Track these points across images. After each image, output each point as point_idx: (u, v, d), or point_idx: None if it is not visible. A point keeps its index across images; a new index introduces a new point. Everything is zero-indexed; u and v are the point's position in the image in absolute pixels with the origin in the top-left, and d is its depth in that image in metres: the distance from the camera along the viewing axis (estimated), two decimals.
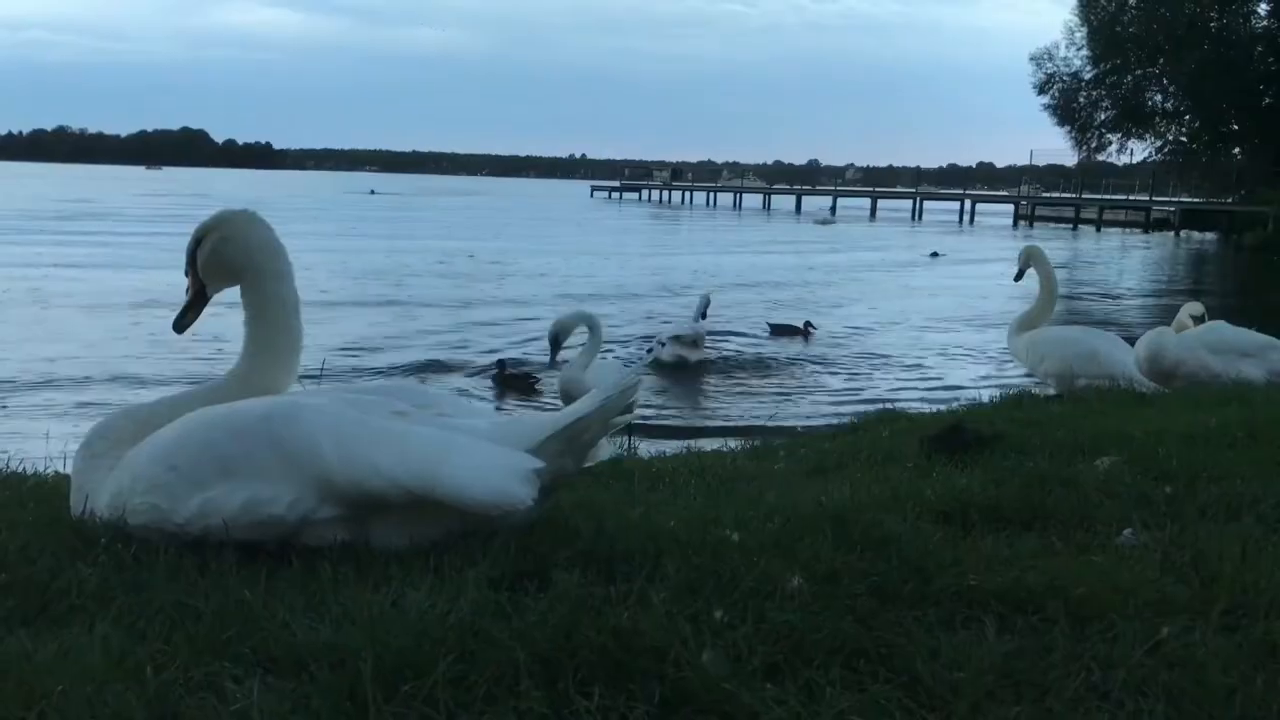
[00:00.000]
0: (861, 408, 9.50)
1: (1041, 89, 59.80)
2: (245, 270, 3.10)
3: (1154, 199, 60.62)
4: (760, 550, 2.74)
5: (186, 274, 3.17)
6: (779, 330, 17.11)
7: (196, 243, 3.13)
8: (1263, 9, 55.52)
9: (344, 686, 1.90)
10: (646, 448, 6.63)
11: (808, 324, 17.05)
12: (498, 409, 10.69)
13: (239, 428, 2.82)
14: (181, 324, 3.19)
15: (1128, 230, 60.09)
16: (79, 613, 2.33)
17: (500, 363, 12.53)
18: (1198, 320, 8.51)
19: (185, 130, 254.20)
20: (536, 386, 11.82)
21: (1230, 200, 55.15)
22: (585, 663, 2.01)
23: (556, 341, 8.69)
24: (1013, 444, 4.26)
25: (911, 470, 3.92)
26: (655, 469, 4.21)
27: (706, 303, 14.06)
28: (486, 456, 2.76)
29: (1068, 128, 60.07)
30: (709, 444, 6.20)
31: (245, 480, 2.74)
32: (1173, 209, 58.30)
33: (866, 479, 3.85)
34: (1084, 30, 57.94)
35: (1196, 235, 55.17)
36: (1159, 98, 59.17)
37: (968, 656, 2.18)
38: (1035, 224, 64.55)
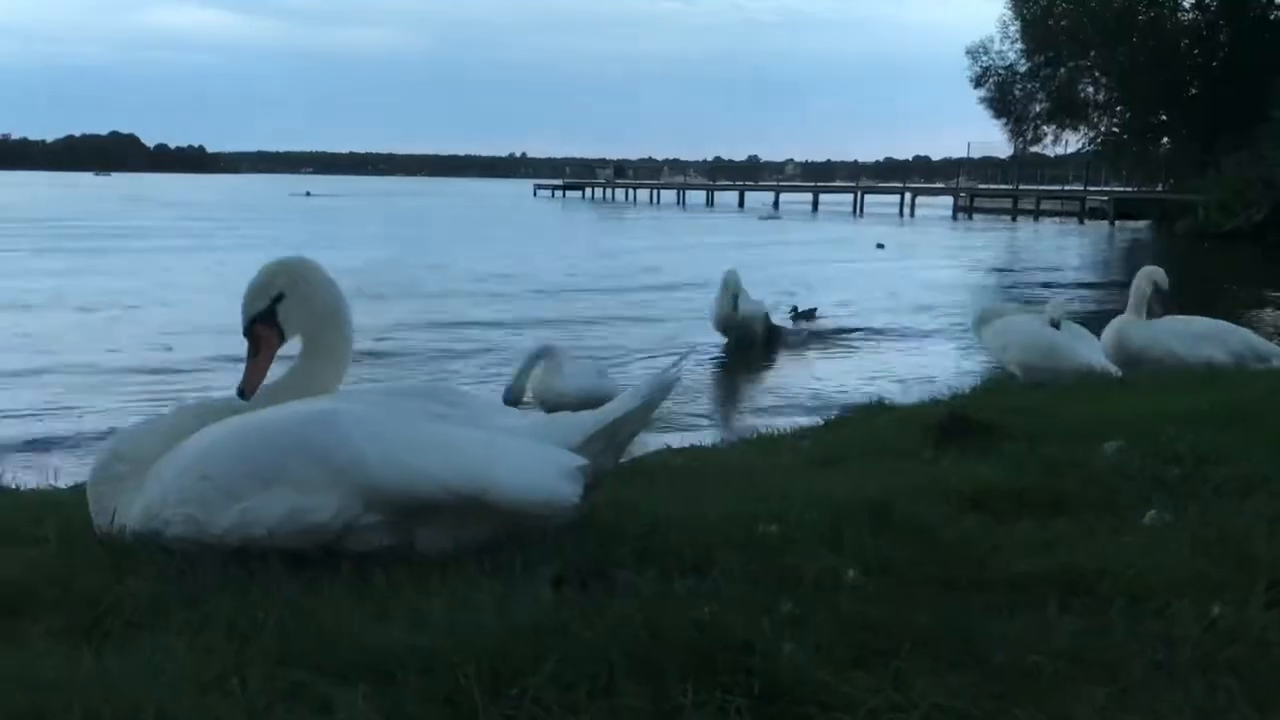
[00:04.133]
0: (836, 398, 9.59)
1: (978, 82, 60.76)
2: (321, 323, 3.05)
3: (1088, 189, 61.89)
4: (806, 543, 2.76)
5: (246, 334, 3.05)
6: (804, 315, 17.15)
7: (273, 299, 3.02)
8: (1188, 2, 57.02)
9: (441, 692, 1.88)
10: (649, 442, 6.61)
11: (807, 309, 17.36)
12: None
13: (274, 435, 2.78)
14: (251, 385, 3.01)
15: (1063, 220, 61.27)
16: (136, 628, 2.28)
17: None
18: (1160, 295, 8.49)
19: (115, 135, 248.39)
20: None
21: (1160, 189, 56.51)
22: (675, 658, 2.01)
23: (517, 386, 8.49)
24: (1016, 431, 4.34)
25: (925, 461, 3.98)
26: (673, 464, 4.22)
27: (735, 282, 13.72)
28: (533, 456, 2.75)
29: (1004, 120, 61.12)
30: (697, 439, 6.23)
31: (285, 489, 2.70)
32: (1106, 199, 59.56)
33: (881, 470, 3.90)
34: (1017, 24, 59.01)
35: (1130, 224, 56.40)
36: (1091, 90, 60.42)
37: (1038, 640, 2.22)
38: (974, 215, 65.56)
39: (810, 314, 17.19)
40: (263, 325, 3.03)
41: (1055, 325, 8.63)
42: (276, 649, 2.11)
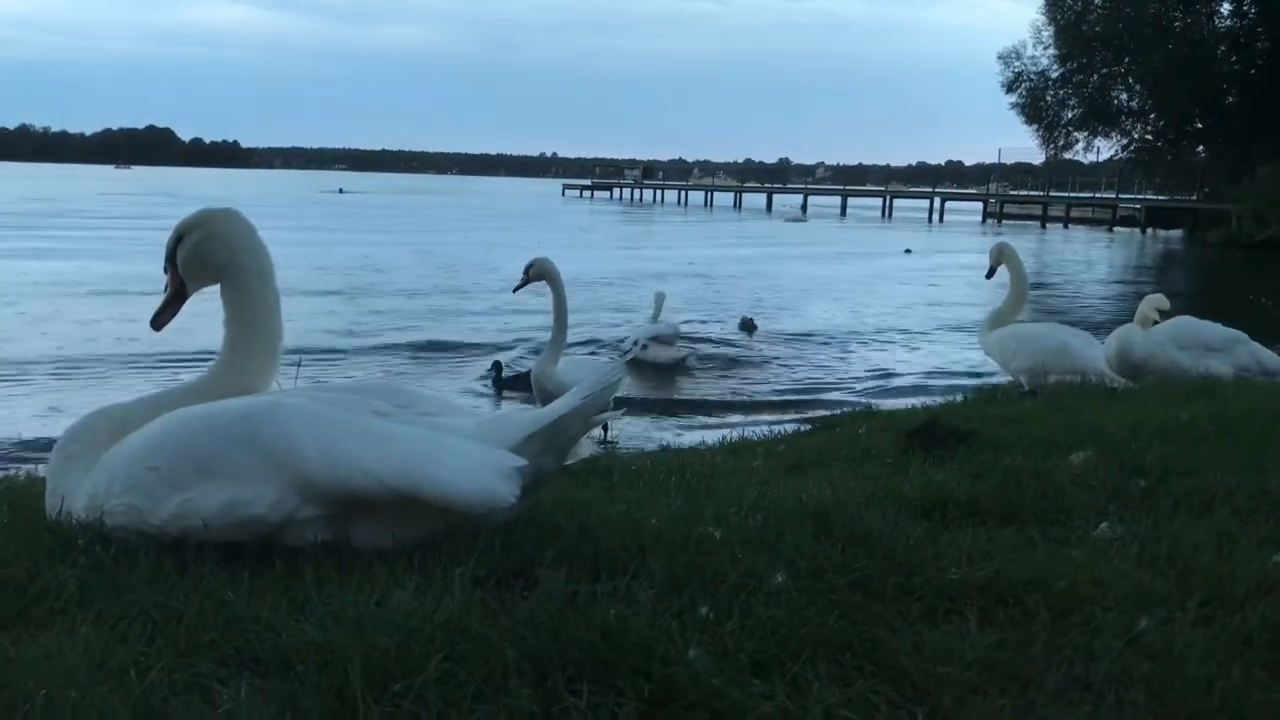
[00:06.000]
0: (837, 403, 9.56)
1: (1009, 88, 60.38)
2: (227, 269, 3.07)
3: (1120, 197, 61.30)
4: (743, 547, 2.75)
5: (165, 271, 3.13)
6: (746, 325, 17.18)
7: (177, 240, 3.10)
8: (1226, 8, 56.35)
9: (332, 687, 1.89)
10: (624, 445, 6.63)
11: (749, 320, 17.20)
12: (495, 409, 10.61)
13: (218, 427, 2.80)
14: (159, 321, 3.16)
15: (1094, 228, 60.72)
16: (59, 616, 2.30)
17: (496, 364, 12.39)
18: (1163, 314, 8.59)
19: (151, 128, 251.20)
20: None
21: (1194, 198, 55.87)
22: (573, 660, 2.01)
23: (528, 274, 8.57)
24: (988, 440, 4.30)
25: (889, 467, 3.95)
26: (634, 466, 4.22)
27: (661, 301, 14.02)
28: (470, 455, 2.75)
29: (1035, 126, 60.69)
30: (686, 440, 6.23)
31: (225, 481, 2.72)
32: (1138, 207, 58.97)
33: (845, 476, 3.88)
34: (1051, 29, 58.54)
35: (1162, 233, 55.82)
36: (1125, 96, 59.87)
37: (951, 650, 2.20)
38: (1004, 221, 65.07)
39: (749, 324, 17.15)
40: (169, 265, 3.12)
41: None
42: (186, 640, 2.13)
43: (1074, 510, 3.31)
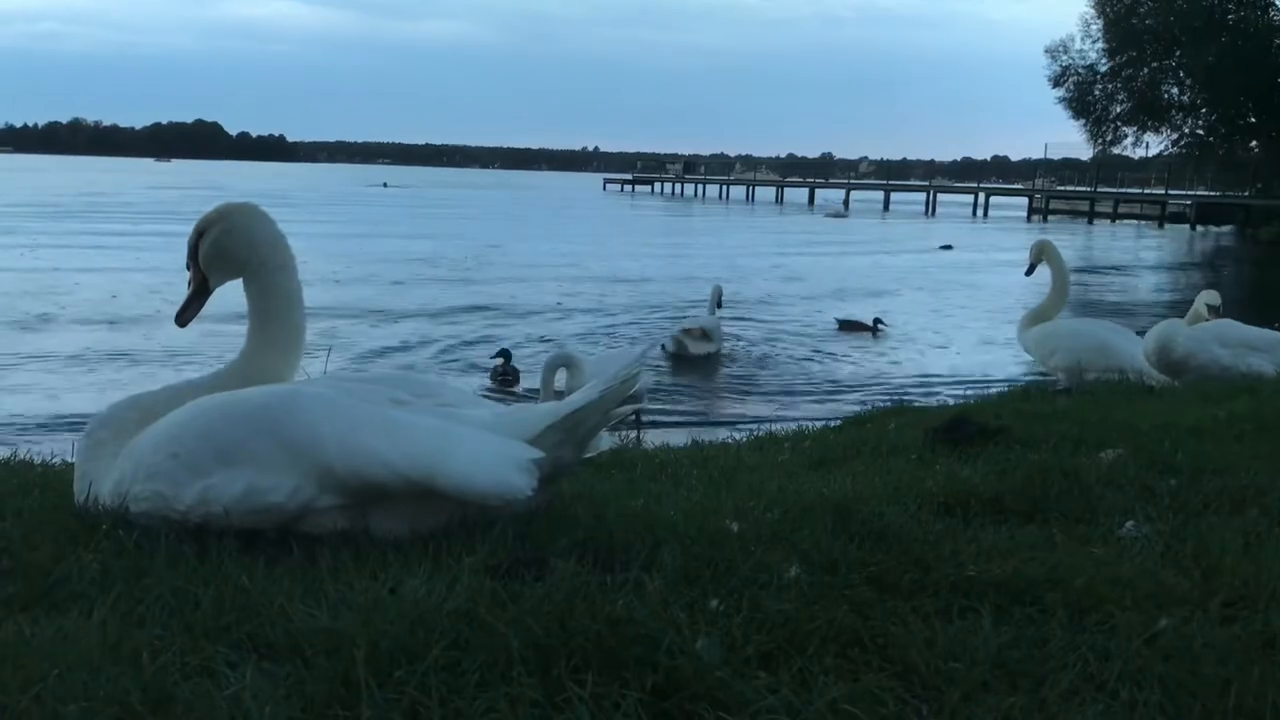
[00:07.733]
0: (869, 400, 9.50)
1: (1056, 82, 59.48)
2: (248, 262, 3.11)
3: (1169, 192, 60.26)
4: (759, 540, 2.74)
5: (188, 267, 3.17)
6: (847, 326, 16.72)
7: (198, 235, 3.14)
8: None
9: (338, 672, 1.91)
10: (652, 438, 6.62)
11: (877, 320, 16.71)
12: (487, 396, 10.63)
13: (239, 415, 2.83)
14: (184, 317, 3.19)
15: (1142, 224, 59.77)
16: (79, 598, 2.34)
17: (504, 351, 12.31)
18: (1214, 310, 8.45)
19: (199, 122, 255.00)
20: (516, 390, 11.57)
21: (1247, 194, 54.82)
22: (579, 650, 2.01)
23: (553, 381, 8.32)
24: (1017, 436, 4.25)
25: (914, 462, 3.92)
26: (659, 459, 4.22)
27: (719, 295, 14.06)
28: (486, 446, 2.77)
29: (1083, 121, 59.73)
30: (714, 435, 6.22)
31: (245, 468, 2.75)
32: (1188, 203, 57.96)
33: (869, 471, 3.85)
34: (1100, 23, 57.59)
35: (1212, 229, 54.84)
36: (1175, 90, 58.73)
37: (963, 646, 2.18)
38: (1050, 217, 64.25)
39: (867, 325, 16.76)
40: (192, 261, 3.16)
41: None
42: (202, 624, 2.16)
43: (1100, 508, 3.26)
